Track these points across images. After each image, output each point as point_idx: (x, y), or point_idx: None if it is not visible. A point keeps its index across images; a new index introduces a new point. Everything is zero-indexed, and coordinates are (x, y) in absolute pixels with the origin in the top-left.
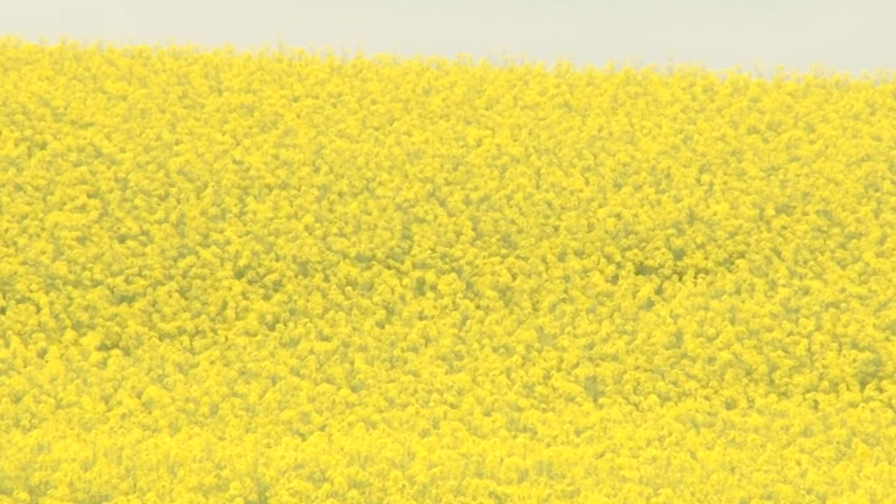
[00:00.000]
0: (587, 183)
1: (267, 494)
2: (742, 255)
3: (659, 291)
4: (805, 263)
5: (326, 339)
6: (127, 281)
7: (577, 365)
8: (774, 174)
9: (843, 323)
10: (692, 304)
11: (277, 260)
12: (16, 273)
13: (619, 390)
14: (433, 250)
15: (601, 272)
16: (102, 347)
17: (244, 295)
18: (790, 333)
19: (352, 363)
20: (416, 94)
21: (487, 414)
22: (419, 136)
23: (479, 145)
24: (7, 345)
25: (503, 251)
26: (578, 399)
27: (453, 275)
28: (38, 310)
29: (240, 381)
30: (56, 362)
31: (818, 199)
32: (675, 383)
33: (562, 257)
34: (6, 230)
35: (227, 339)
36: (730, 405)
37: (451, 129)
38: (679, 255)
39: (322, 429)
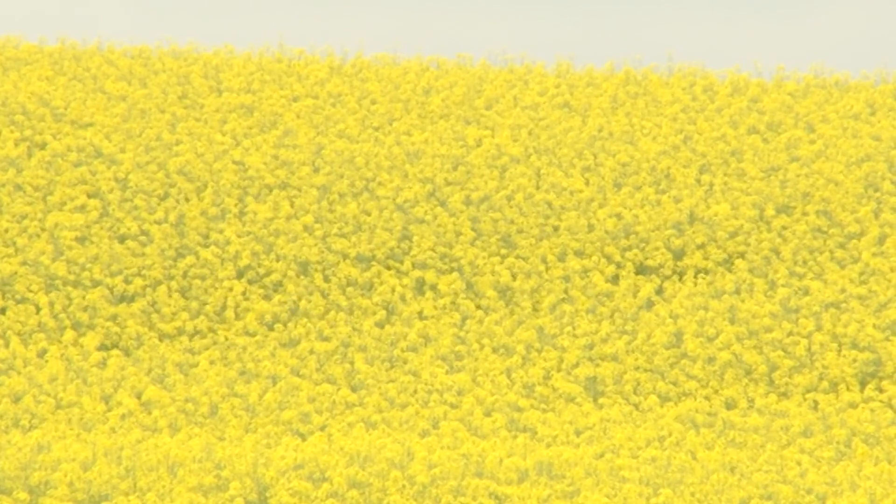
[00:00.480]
0: (587, 183)
1: (267, 494)
2: (742, 255)
3: (659, 291)
4: (805, 263)
5: (326, 339)
6: (126, 281)
7: (577, 365)
8: (774, 174)
9: (842, 323)
10: (692, 304)
11: (277, 260)
12: (16, 273)
13: (619, 390)
14: (433, 250)
15: (601, 272)
16: (102, 347)
17: (244, 295)
18: (790, 333)
19: (352, 363)
20: (416, 94)
21: (487, 414)
22: (419, 136)
23: (478, 145)
24: (7, 345)
25: (503, 251)
26: (578, 399)
27: (453, 275)
28: (38, 310)
29: (240, 381)
30: (56, 362)
31: (818, 199)
32: (675, 383)
33: (562, 257)
34: (6, 230)
35: (227, 339)
36: (730, 405)
37: (451, 130)
38: (679, 255)
39: (322, 429)
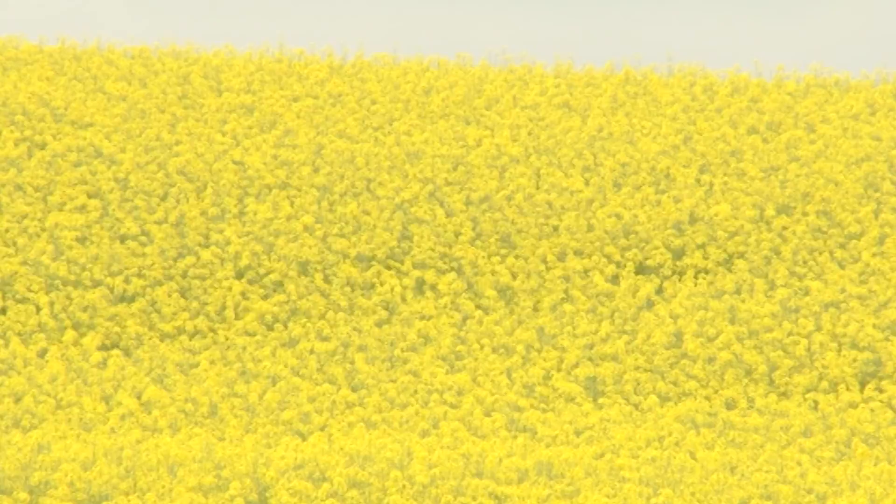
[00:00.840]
0: (587, 183)
1: (267, 494)
2: (742, 255)
3: (659, 291)
4: (805, 264)
5: (326, 339)
6: (126, 281)
7: (577, 365)
8: (774, 174)
9: (842, 323)
10: (692, 304)
11: (277, 260)
12: (16, 273)
13: (619, 390)
14: (433, 250)
15: (601, 272)
16: (102, 347)
17: (244, 295)
18: (790, 333)
19: (352, 363)
20: (416, 94)
21: (487, 414)
22: (419, 136)
23: (478, 145)
24: (7, 345)
25: (503, 251)
26: (578, 399)
27: (453, 275)
28: (38, 310)
29: (240, 381)
30: (56, 362)
31: (818, 199)
32: (675, 383)
33: (562, 257)
34: (6, 230)
35: (227, 339)
36: (730, 405)
37: (451, 129)
38: (679, 255)
39: (322, 429)
